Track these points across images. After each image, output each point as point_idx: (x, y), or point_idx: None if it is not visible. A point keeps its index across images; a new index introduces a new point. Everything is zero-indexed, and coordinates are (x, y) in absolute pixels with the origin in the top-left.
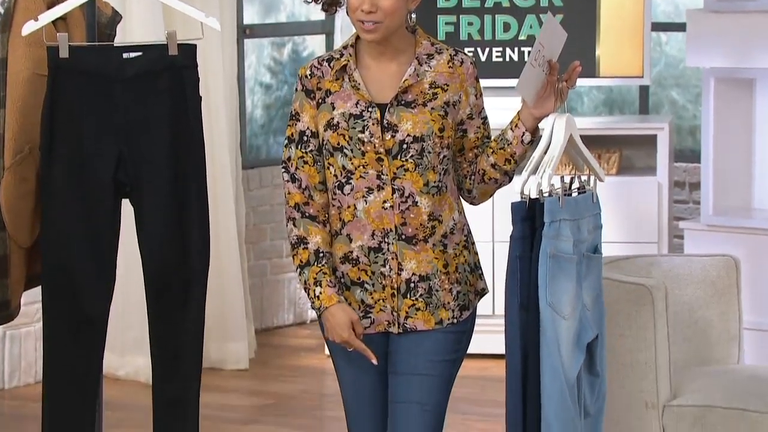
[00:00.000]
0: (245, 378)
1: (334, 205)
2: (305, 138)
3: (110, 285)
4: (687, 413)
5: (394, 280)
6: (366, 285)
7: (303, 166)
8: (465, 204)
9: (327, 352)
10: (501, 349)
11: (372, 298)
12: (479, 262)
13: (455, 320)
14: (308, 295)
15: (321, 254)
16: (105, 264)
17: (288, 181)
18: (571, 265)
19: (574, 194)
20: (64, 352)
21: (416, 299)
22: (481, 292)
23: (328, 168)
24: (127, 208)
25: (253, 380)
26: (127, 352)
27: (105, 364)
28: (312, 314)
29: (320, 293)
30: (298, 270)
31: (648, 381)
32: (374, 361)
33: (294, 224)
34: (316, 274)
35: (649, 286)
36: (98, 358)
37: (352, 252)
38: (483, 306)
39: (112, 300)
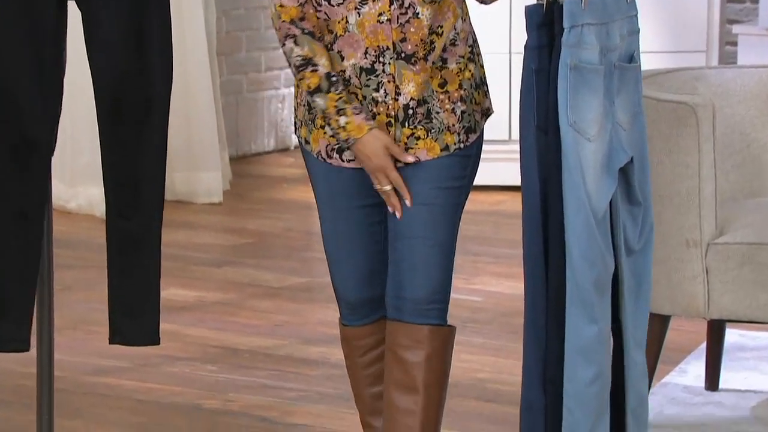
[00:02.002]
0: (219, 213)
1: (319, 18)
2: None
3: (56, 104)
4: (735, 252)
5: (390, 107)
6: None
7: None
8: (474, 6)
9: None
10: (518, 180)
11: None
12: (485, 77)
13: (461, 145)
14: (329, 125)
15: (333, 78)
16: (49, 79)
17: None
18: (596, 77)
19: None
20: (3, 181)
21: (415, 127)
22: (487, 112)
23: None
24: (74, 13)
25: (227, 216)
26: (78, 181)
27: (53, 195)
28: (296, 140)
29: (346, 123)
30: (308, 95)
31: (690, 215)
32: (408, 202)
33: (296, 42)
34: (336, 101)
35: (693, 105)
36: (44, 189)
37: (344, 71)
38: (497, 130)
39: (58, 122)
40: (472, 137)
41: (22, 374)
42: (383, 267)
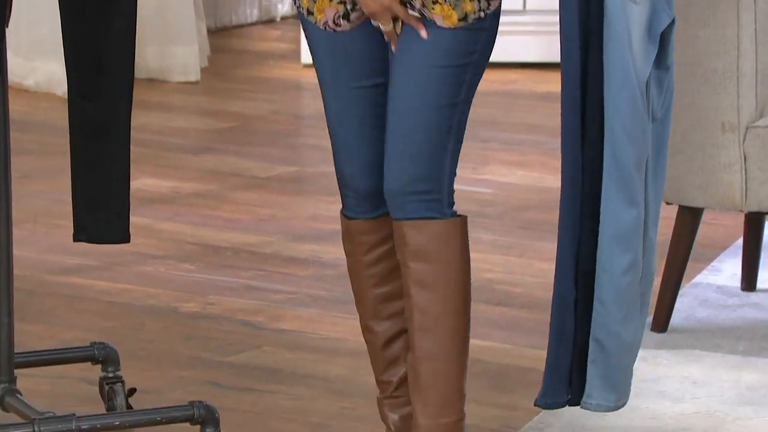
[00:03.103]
0: (196, 93)
1: None
2: None
3: None
4: None
5: None
6: None
7: None
8: None
9: (304, 59)
10: (532, 57)
11: None
12: None
13: (482, 13)
14: None
15: None
16: None
17: None
18: None
19: None
20: None
21: None
22: None
23: None
24: None
25: (205, 96)
26: (36, 55)
27: (9, 71)
28: (285, 9)
29: None
30: None
31: (727, 96)
32: (424, 34)
33: None
34: None
35: None
36: None
37: None
38: None
39: None
40: (494, 4)
41: None
42: None
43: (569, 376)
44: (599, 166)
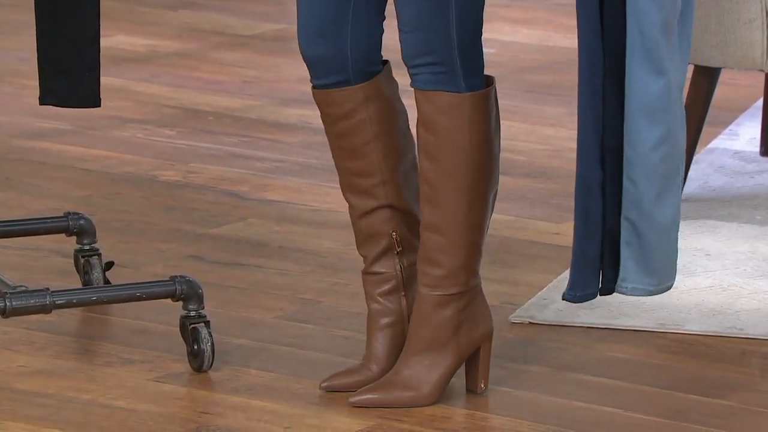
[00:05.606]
0: None
1: None
2: None
3: None
4: None
5: None
6: None
7: None
8: None
9: None
10: None
11: None
12: None
13: None
14: None
15: None
16: None
17: None
18: None
19: None
20: None
21: None
22: None
23: None
24: None
25: None
26: None
27: None
28: None
29: None
30: None
31: None
32: None
33: None
34: None
35: None
36: None
37: None
38: None
39: None
40: None
41: None
42: (350, 16)
43: (599, 263)
44: (622, 32)
